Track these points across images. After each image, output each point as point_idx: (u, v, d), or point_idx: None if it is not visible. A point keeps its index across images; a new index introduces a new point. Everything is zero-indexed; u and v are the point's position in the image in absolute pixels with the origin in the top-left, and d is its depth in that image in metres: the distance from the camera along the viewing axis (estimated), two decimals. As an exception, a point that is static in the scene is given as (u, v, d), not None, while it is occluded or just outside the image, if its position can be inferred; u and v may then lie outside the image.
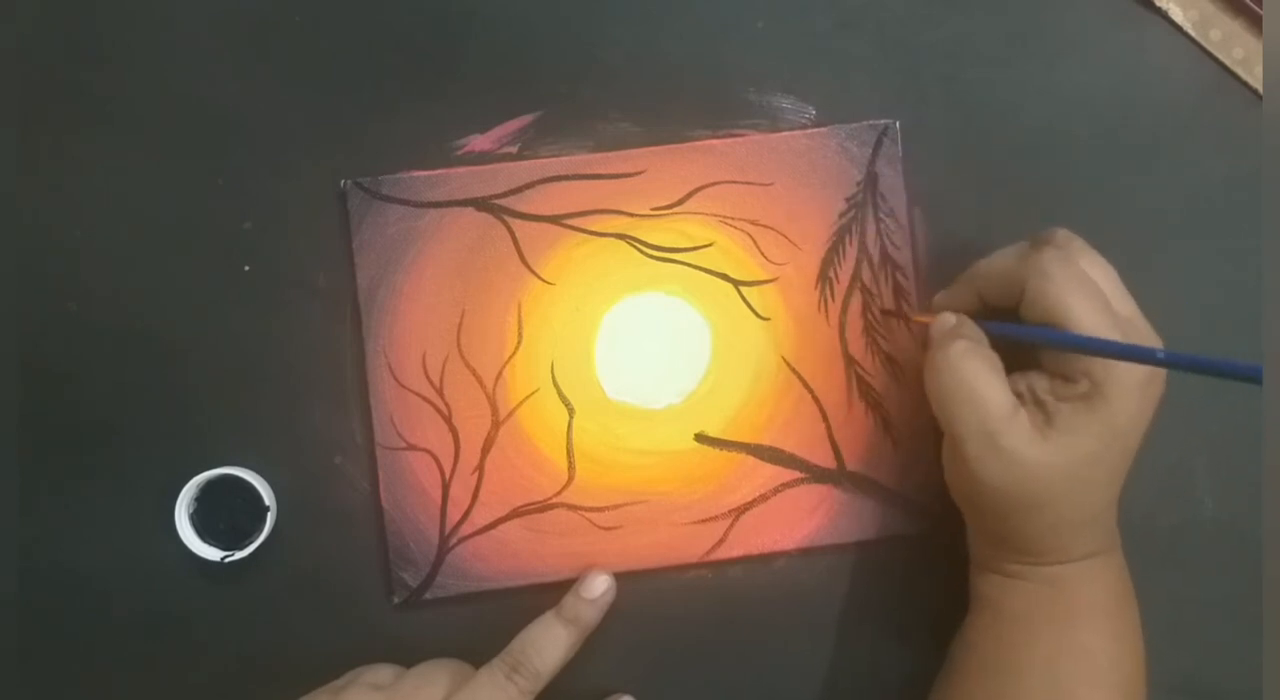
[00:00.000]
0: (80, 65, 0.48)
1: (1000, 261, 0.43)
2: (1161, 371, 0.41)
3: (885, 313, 0.48)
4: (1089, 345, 0.39)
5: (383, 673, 0.45)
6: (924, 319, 0.46)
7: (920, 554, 0.48)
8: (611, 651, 0.48)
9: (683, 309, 0.48)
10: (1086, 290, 0.40)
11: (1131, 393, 0.40)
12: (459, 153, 0.48)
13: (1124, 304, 0.42)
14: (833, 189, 0.48)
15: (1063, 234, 0.43)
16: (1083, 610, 0.42)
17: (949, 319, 0.44)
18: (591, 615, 0.45)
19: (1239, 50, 0.49)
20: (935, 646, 0.46)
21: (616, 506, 0.48)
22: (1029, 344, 0.42)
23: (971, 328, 0.43)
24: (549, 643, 0.44)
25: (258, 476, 0.47)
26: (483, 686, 0.43)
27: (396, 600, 0.47)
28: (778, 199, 0.48)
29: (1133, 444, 0.41)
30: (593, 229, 0.48)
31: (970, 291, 0.44)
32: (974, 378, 0.41)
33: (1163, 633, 0.49)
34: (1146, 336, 0.42)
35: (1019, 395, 0.41)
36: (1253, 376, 0.35)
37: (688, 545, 0.48)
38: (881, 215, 0.48)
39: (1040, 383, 0.41)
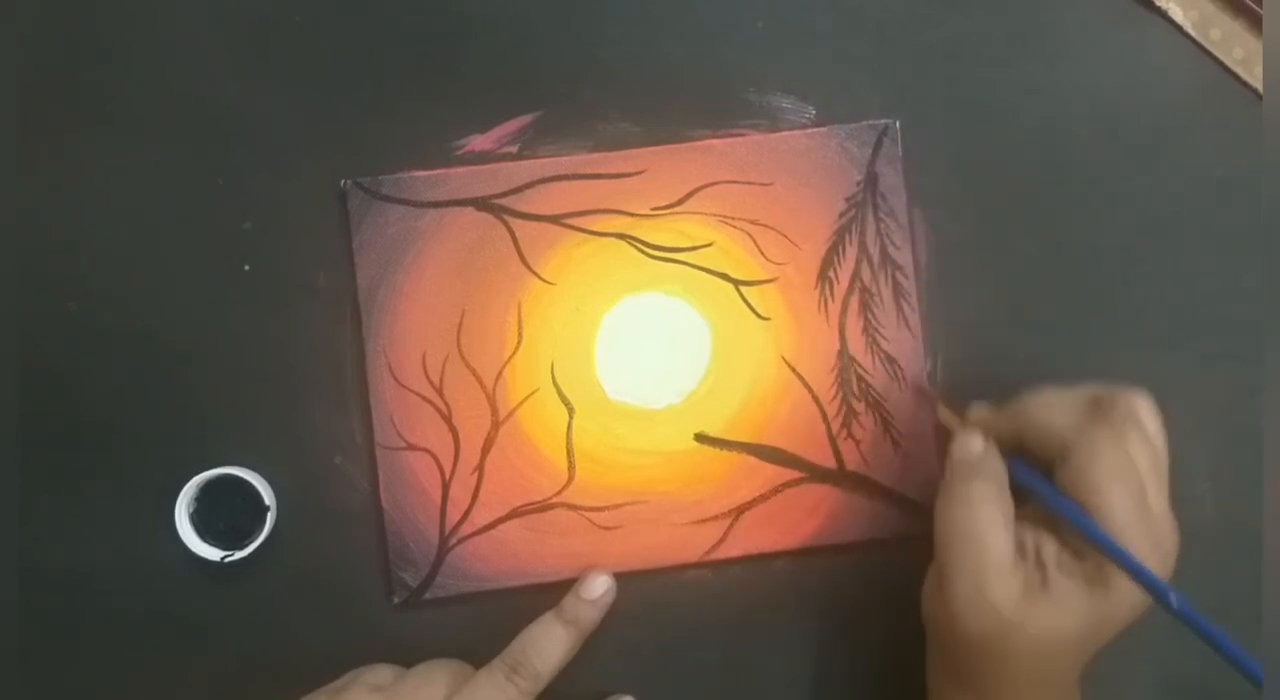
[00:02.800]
0: (80, 65, 0.48)
1: (1054, 416, 0.41)
2: (1168, 571, 0.40)
3: (918, 392, 0.48)
4: (1109, 548, 0.38)
5: (382, 673, 0.45)
6: (951, 421, 0.45)
7: (920, 554, 0.48)
8: (611, 651, 0.48)
9: (683, 309, 0.48)
10: (1127, 483, 0.39)
11: (1135, 592, 0.39)
12: (459, 153, 0.48)
13: (1159, 499, 0.40)
14: (833, 189, 0.48)
15: (1122, 409, 0.41)
16: None
17: (976, 445, 0.42)
18: (591, 616, 0.45)
19: (1239, 50, 0.49)
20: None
21: (616, 506, 0.48)
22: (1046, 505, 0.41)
23: (996, 463, 0.42)
24: (549, 643, 0.44)
25: (258, 476, 0.47)
26: (482, 687, 0.43)
27: (396, 600, 0.47)
28: (778, 199, 0.48)
29: (1116, 629, 0.40)
30: (593, 229, 0.48)
31: (1012, 426, 0.42)
32: (984, 525, 0.40)
33: (1163, 633, 0.49)
34: (1168, 537, 0.40)
35: (1021, 546, 0.40)
36: (1254, 677, 0.34)
37: (688, 545, 0.48)
38: (881, 215, 0.48)
39: (1049, 546, 0.40)
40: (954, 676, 0.43)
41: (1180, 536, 0.41)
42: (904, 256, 0.48)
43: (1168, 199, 0.49)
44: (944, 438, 0.45)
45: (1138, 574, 0.38)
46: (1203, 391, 0.49)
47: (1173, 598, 0.37)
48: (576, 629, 0.45)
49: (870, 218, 0.48)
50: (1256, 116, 0.49)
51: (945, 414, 0.46)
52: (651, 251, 0.48)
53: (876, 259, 0.48)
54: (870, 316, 0.48)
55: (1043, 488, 0.41)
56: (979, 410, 0.44)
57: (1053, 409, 0.42)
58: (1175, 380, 0.49)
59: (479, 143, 0.48)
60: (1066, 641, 0.40)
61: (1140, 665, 0.49)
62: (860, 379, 0.48)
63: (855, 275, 0.48)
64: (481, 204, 0.48)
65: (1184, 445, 0.49)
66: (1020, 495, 0.42)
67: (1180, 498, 0.49)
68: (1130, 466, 0.40)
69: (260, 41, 0.48)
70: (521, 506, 0.48)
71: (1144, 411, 0.42)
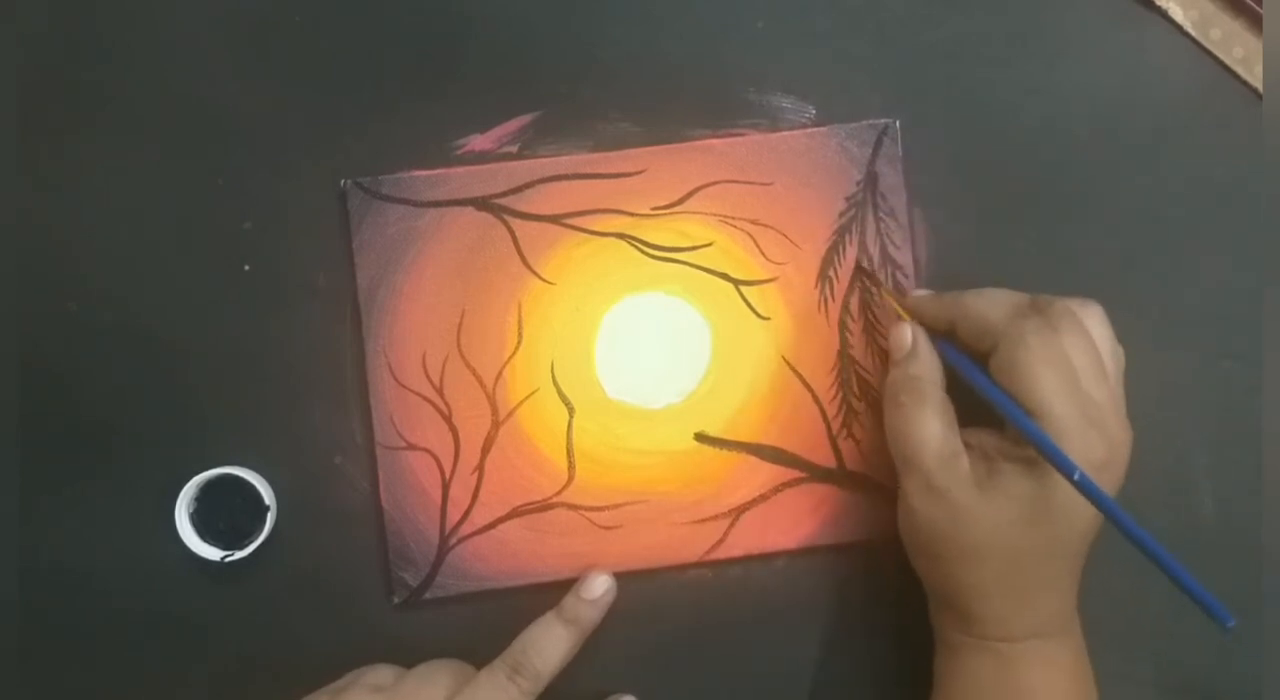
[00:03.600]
0: (80, 65, 0.48)
1: (990, 310, 0.42)
2: (1119, 462, 0.41)
3: (863, 272, 0.48)
4: (1023, 426, 0.39)
5: (383, 674, 0.45)
6: (893, 301, 0.46)
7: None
8: (611, 651, 0.48)
9: (683, 309, 0.48)
10: (1056, 367, 0.39)
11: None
12: (459, 152, 0.48)
13: (1099, 388, 0.40)
14: (833, 189, 0.48)
15: (1060, 306, 0.41)
16: (1030, 694, 0.41)
17: (905, 338, 0.43)
18: (592, 616, 0.45)
19: (1239, 50, 0.49)
20: (934, 646, 0.46)
21: (616, 506, 0.48)
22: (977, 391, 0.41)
23: (928, 356, 0.43)
24: (550, 643, 0.44)
25: (258, 476, 0.47)
26: (483, 687, 0.43)
27: (396, 600, 0.47)
28: (778, 198, 0.48)
29: (1078, 527, 0.40)
30: (593, 229, 0.48)
31: (948, 315, 0.43)
32: (917, 421, 0.41)
33: (1163, 633, 0.49)
34: (1117, 427, 0.41)
35: (969, 446, 0.41)
36: (1209, 607, 0.36)
37: (688, 545, 0.48)
38: (881, 215, 0.48)
39: (991, 439, 0.41)
40: (943, 603, 0.43)
41: (1133, 444, 0.42)
42: (904, 256, 0.48)
43: (1168, 199, 0.49)
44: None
45: (1037, 441, 0.39)
46: (1203, 391, 0.49)
47: (1076, 474, 0.38)
48: (577, 629, 0.45)
49: (870, 217, 0.48)
50: (1256, 116, 0.49)
51: (887, 297, 0.47)
52: (651, 251, 0.48)
53: (876, 259, 0.48)
54: (870, 316, 0.48)
55: (967, 368, 0.42)
56: (919, 295, 0.45)
57: (990, 301, 0.42)
58: (1175, 380, 0.49)
59: (479, 143, 0.48)
60: (1020, 528, 0.40)
61: (1140, 665, 0.49)
62: (860, 379, 0.48)
63: (855, 275, 0.48)
64: (481, 204, 0.48)
65: (1184, 445, 0.49)
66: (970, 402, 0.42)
67: (1180, 498, 0.49)
68: (1060, 353, 0.40)
69: (260, 41, 0.48)
70: (521, 506, 0.48)
71: (1090, 316, 0.42)
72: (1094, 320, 0.42)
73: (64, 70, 0.48)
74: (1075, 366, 0.40)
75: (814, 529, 0.48)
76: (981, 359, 0.42)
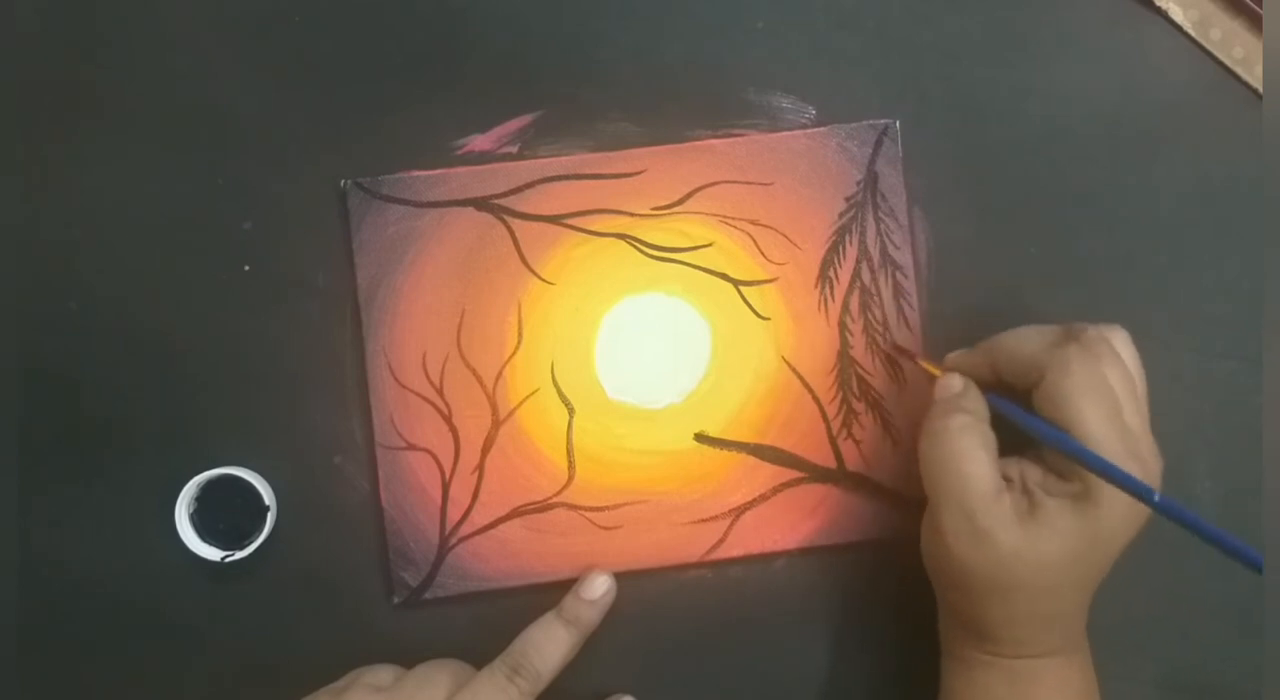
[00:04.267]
0: (80, 65, 0.48)
1: (1026, 344, 0.42)
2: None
3: (895, 349, 0.48)
4: (1089, 459, 0.38)
5: (383, 674, 0.45)
6: (930, 368, 0.45)
7: (920, 554, 0.48)
8: (612, 651, 0.48)
9: (683, 309, 0.48)
10: (1102, 397, 0.39)
11: (1121, 504, 0.39)
12: (459, 153, 0.48)
13: (1135, 417, 0.40)
14: (833, 189, 0.48)
15: (1093, 332, 0.41)
16: None
17: (955, 383, 0.43)
18: (592, 616, 0.45)
19: (1239, 50, 0.49)
20: (934, 647, 0.46)
21: (616, 506, 0.48)
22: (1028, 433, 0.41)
23: (976, 399, 0.42)
24: (550, 644, 0.44)
25: (258, 476, 0.47)
26: (483, 688, 0.43)
27: (396, 600, 0.47)
28: (778, 199, 0.48)
29: (1113, 553, 0.40)
30: (593, 229, 0.48)
31: (987, 362, 0.43)
32: (964, 454, 0.40)
33: (1163, 633, 0.49)
34: (1150, 455, 0.40)
35: (1008, 480, 0.41)
36: (1253, 564, 0.34)
37: (688, 545, 0.48)
38: (881, 215, 0.48)
39: (1033, 472, 0.41)
40: (963, 627, 0.43)
41: (1163, 463, 0.41)
42: (904, 256, 0.48)
43: (1168, 199, 0.49)
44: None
45: (1117, 477, 0.38)
46: (1203, 391, 0.49)
47: (1156, 496, 0.37)
48: (577, 629, 0.45)
49: (870, 218, 0.48)
50: (1256, 116, 0.49)
51: (925, 365, 0.46)
52: (651, 251, 0.48)
53: (876, 259, 0.48)
54: (870, 316, 0.48)
55: (1019, 413, 0.41)
56: (955, 355, 0.45)
57: (1025, 338, 0.42)
58: (1175, 380, 0.49)
59: (479, 143, 0.48)
60: (1063, 565, 0.40)
61: (1140, 665, 0.49)
62: (860, 379, 0.48)
63: (855, 275, 0.48)
64: (481, 204, 0.48)
65: (1184, 445, 0.49)
66: (1003, 435, 0.42)
67: (1180, 498, 0.49)
68: (1103, 382, 0.40)
69: (260, 42, 0.48)
70: (522, 506, 0.48)
71: (1118, 340, 0.42)
72: (1123, 345, 0.42)
73: (64, 70, 0.48)
74: (1115, 393, 0.40)
75: (814, 529, 0.48)
76: (1024, 398, 0.41)
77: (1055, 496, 0.40)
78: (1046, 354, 0.40)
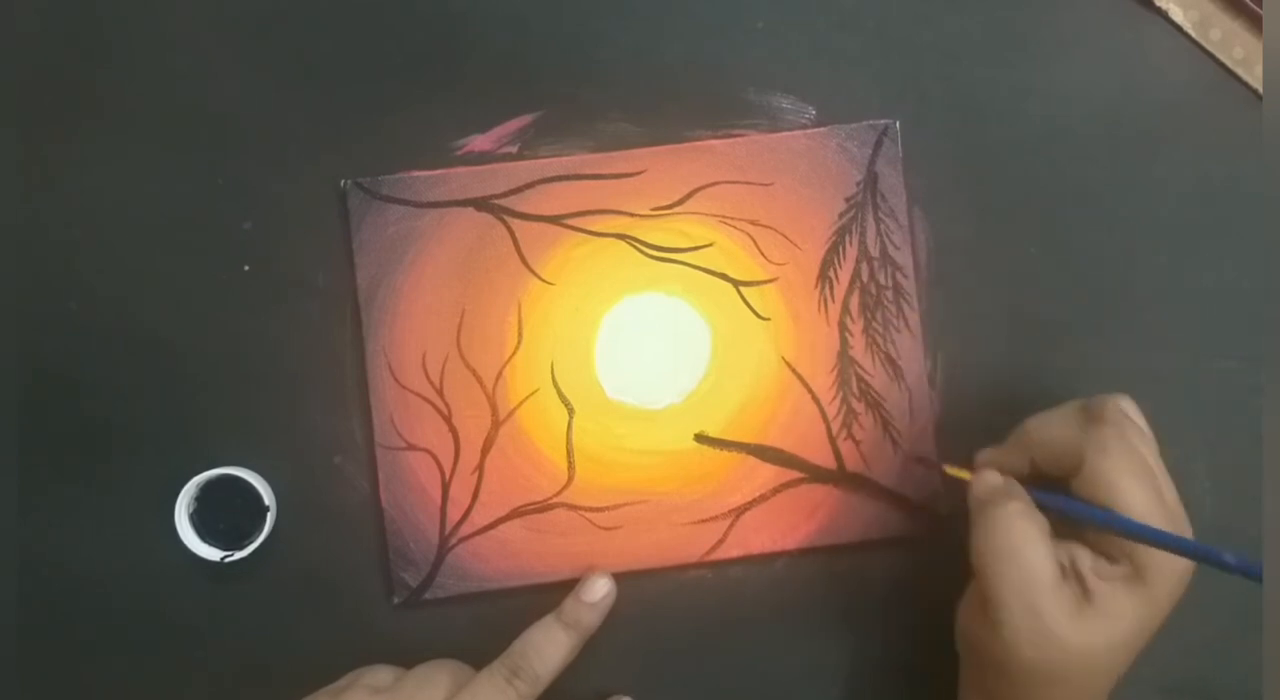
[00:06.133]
0: (80, 65, 0.48)
1: (1058, 430, 0.41)
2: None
3: (917, 460, 0.48)
4: (1147, 533, 0.38)
5: (382, 675, 0.45)
6: (959, 473, 0.44)
7: (920, 554, 0.48)
8: (612, 651, 0.48)
9: (683, 309, 0.48)
10: (1142, 472, 0.39)
11: (1172, 580, 0.39)
12: (459, 153, 0.48)
13: (1169, 489, 0.40)
14: (833, 189, 0.48)
15: (1113, 406, 0.41)
16: None
17: (996, 478, 0.42)
18: (592, 619, 0.45)
19: (1239, 50, 0.49)
20: (934, 647, 0.46)
21: (616, 506, 0.48)
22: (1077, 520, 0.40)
23: (1020, 492, 0.41)
24: (549, 646, 0.44)
25: (258, 476, 0.47)
26: (482, 689, 0.43)
27: (396, 600, 0.47)
28: (778, 199, 0.48)
29: (1157, 628, 0.40)
30: (593, 229, 0.48)
31: (1021, 455, 0.42)
32: (1026, 543, 0.39)
33: (1163, 633, 0.48)
34: (1185, 526, 0.40)
35: (1059, 564, 0.39)
36: None
37: (688, 545, 0.48)
38: (881, 215, 0.48)
39: (1083, 557, 0.39)
40: (987, 698, 0.42)
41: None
42: (904, 256, 0.48)
43: (1168, 199, 0.49)
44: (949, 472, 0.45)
45: (1185, 548, 0.37)
46: (1203, 391, 0.49)
47: (1229, 556, 0.36)
48: (577, 632, 0.45)
49: (870, 218, 0.48)
50: (1256, 116, 0.49)
51: (953, 470, 0.45)
52: (651, 251, 0.48)
53: (876, 259, 0.48)
54: (870, 316, 0.48)
55: (1065, 502, 0.40)
56: (984, 452, 0.44)
57: (1052, 425, 0.42)
58: (1175, 380, 0.49)
59: (479, 143, 0.48)
60: (1116, 649, 0.39)
61: (1140, 665, 0.49)
62: (860, 379, 0.48)
63: (855, 275, 0.48)
64: (481, 204, 0.48)
65: (1184, 445, 0.49)
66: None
67: (1180, 497, 0.49)
68: (1140, 460, 0.40)
69: (260, 42, 0.48)
70: (521, 506, 0.48)
71: (1132, 409, 0.42)
72: (1134, 411, 0.42)
73: (64, 70, 0.48)
74: (1152, 469, 0.40)
75: (814, 530, 0.48)
76: (1061, 486, 0.41)
77: (1108, 581, 0.39)
78: (1080, 438, 0.40)
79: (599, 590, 0.46)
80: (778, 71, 0.49)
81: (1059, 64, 0.49)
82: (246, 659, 0.48)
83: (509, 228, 0.48)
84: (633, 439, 0.48)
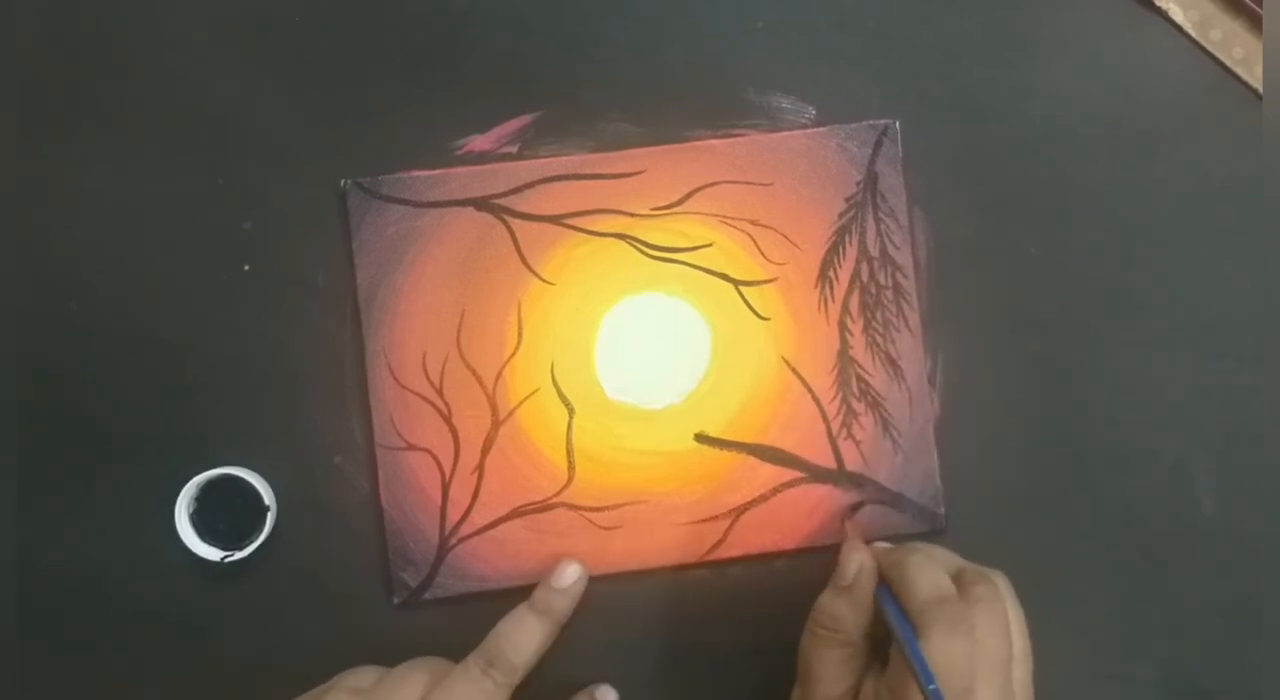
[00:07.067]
0: (80, 65, 0.48)
1: (914, 586, 0.40)
2: None
3: (841, 519, 0.48)
4: (915, 662, 0.38)
5: (364, 676, 0.44)
6: (853, 533, 0.45)
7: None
8: (611, 651, 0.48)
9: (683, 309, 0.48)
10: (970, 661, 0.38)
11: None
12: (459, 153, 0.48)
13: (1020, 675, 0.40)
14: (833, 189, 0.48)
15: (981, 592, 0.40)
16: None
17: (851, 570, 0.42)
18: (563, 604, 0.45)
19: (1239, 50, 0.49)
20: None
21: (616, 506, 0.48)
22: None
23: (862, 595, 0.42)
24: (522, 634, 0.44)
25: (258, 476, 0.47)
26: (458, 682, 0.43)
27: (396, 600, 0.47)
28: (778, 199, 0.48)
29: None
30: (593, 229, 0.48)
31: (888, 571, 0.42)
32: (826, 658, 0.41)
33: (1163, 633, 0.49)
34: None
35: (858, 692, 0.41)
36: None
37: (688, 545, 0.48)
38: (881, 215, 0.48)
39: (872, 693, 0.40)
40: None
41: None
42: (904, 256, 0.48)
43: (1168, 199, 0.49)
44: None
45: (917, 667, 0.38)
46: (1203, 391, 0.49)
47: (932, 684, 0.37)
48: (549, 618, 0.45)
49: (870, 218, 0.48)
50: (1256, 116, 0.49)
51: (851, 523, 0.47)
52: (651, 251, 0.48)
53: (876, 259, 0.48)
54: (870, 316, 0.48)
55: (893, 615, 0.40)
56: (879, 546, 0.45)
57: (918, 576, 0.41)
58: (1175, 380, 0.49)
59: (479, 143, 0.48)
60: None
61: (1140, 665, 0.49)
62: (860, 379, 0.48)
63: (855, 275, 0.48)
64: (481, 204, 0.48)
65: (1184, 445, 0.49)
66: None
67: (1180, 498, 0.49)
68: (969, 649, 0.39)
69: (260, 42, 0.48)
70: (521, 506, 0.48)
71: (1002, 585, 0.42)
72: (1007, 593, 0.42)
73: (64, 70, 0.48)
74: (992, 656, 0.39)
75: (814, 529, 0.48)
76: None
77: None
78: (925, 605, 0.39)
79: (569, 576, 0.46)
80: (778, 71, 0.49)
81: (1059, 64, 0.49)
82: (246, 659, 0.48)
83: (509, 228, 0.48)
84: (633, 439, 0.48)
